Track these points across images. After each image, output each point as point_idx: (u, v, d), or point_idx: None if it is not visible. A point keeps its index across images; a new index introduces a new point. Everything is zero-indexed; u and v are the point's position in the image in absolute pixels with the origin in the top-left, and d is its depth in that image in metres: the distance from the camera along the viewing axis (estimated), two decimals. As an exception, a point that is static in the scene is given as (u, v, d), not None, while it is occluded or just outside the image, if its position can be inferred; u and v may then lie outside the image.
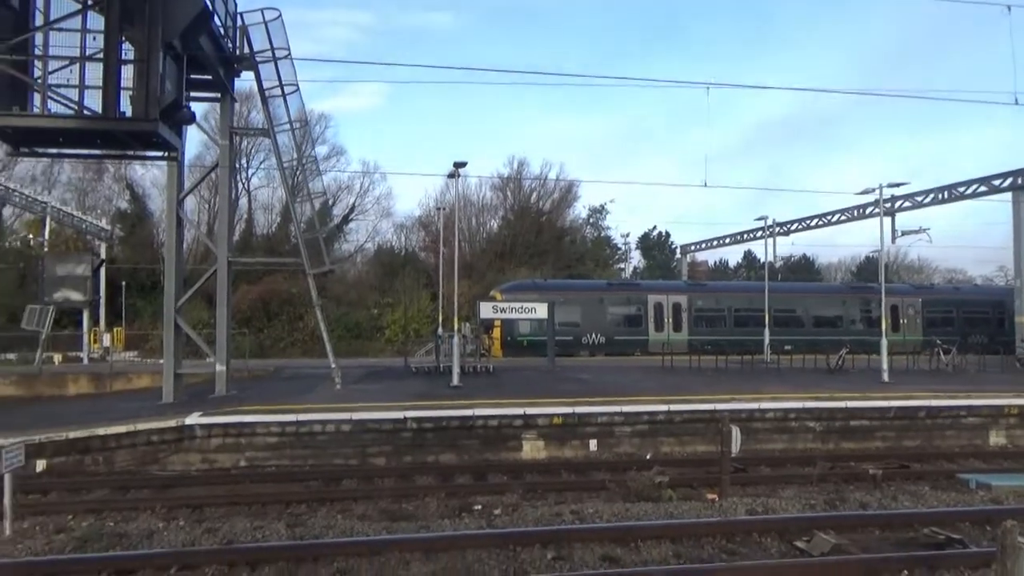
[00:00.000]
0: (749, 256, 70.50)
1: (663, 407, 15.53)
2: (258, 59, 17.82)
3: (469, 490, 12.21)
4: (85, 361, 32.46)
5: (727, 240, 54.08)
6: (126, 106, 9.82)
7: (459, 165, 19.62)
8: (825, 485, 12.65)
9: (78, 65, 10.62)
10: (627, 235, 66.67)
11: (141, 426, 13.77)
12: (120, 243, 50.44)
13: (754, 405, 16.02)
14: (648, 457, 14.92)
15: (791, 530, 9.00)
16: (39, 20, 10.50)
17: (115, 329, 39.57)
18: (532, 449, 14.99)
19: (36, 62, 10.11)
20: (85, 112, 9.98)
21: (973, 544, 8.45)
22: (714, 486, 12.29)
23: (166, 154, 10.49)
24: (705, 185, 24.57)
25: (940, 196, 34.05)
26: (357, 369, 23.52)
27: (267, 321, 46.48)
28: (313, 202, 18.25)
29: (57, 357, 34.28)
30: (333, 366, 19.14)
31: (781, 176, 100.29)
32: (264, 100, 18.31)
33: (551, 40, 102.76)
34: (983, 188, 31.99)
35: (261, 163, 57.23)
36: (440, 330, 25.68)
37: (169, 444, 13.91)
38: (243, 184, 56.98)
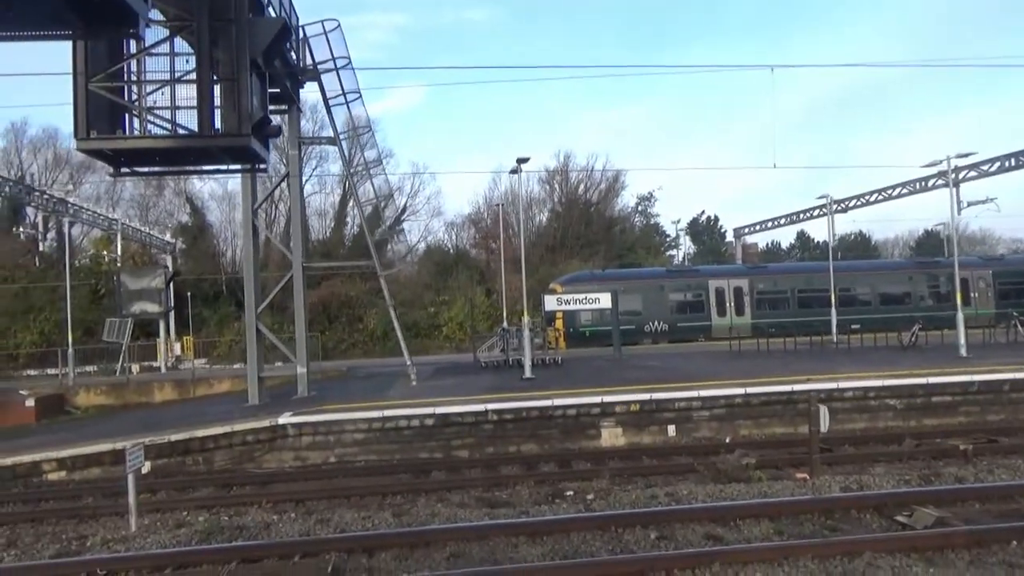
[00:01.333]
0: (803, 236, 69.33)
1: (740, 390, 15.57)
2: (321, 69, 18.40)
3: (557, 477, 12.47)
4: (163, 370, 33.77)
5: (782, 221, 53.22)
6: (219, 123, 10.30)
7: (521, 161, 19.88)
8: (914, 462, 12.58)
9: (169, 87, 11.15)
10: (678, 221, 66.23)
11: (237, 427, 14.43)
12: (183, 255, 52.15)
13: (832, 385, 15.92)
14: (727, 440, 15.01)
15: (888, 505, 9.05)
16: (131, 46, 11.04)
17: (184, 338, 41.08)
18: (611, 436, 15.20)
19: (133, 87, 10.64)
20: (181, 131, 10.50)
21: (1078, 514, 8.39)
22: (799, 466, 12.35)
23: (257, 166, 10.99)
24: (774, 167, 24.21)
25: (1007, 164, 32.93)
26: (426, 366, 24.00)
27: (328, 324, 47.53)
28: (381, 205, 18.72)
29: (135, 367, 35.71)
30: (408, 363, 19.63)
31: (836, 154, 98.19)
32: (328, 109, 18.88)
33: (586, 30, 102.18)
34: (1053, 154, 30.88)
35: (314, 170, 58.58)
36: (506, 324, 26.01)
37: (263, 443, 14.54)
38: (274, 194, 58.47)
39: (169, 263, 43.49)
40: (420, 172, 62.83)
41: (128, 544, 9.03)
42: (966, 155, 23.43)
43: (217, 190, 61.55)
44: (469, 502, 10.79)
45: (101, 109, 10.42)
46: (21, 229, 43.77)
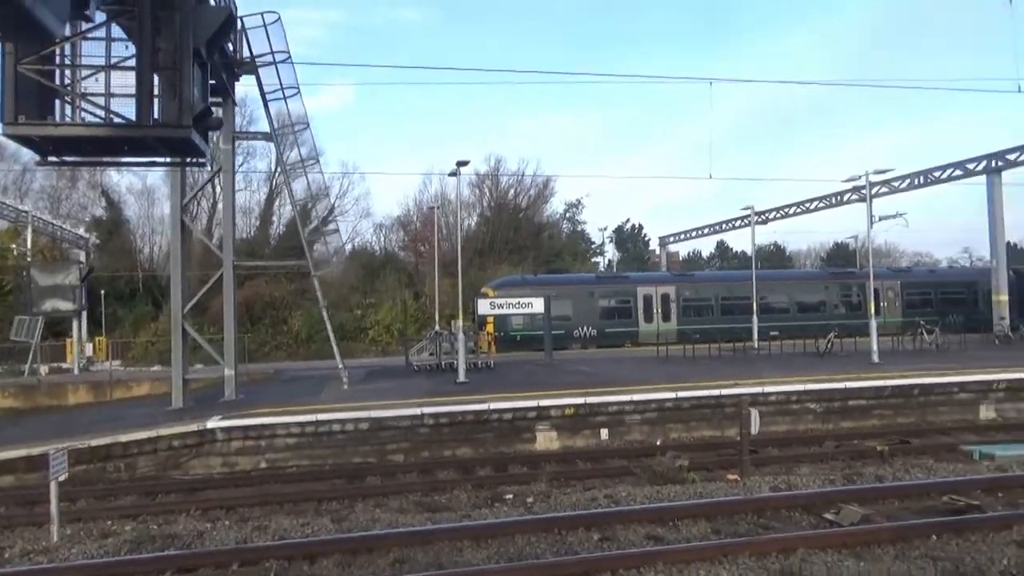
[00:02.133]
0: (722, 246, 71.80)
1: (671, 394, 15.97)
2: (259, 62, 17.93)
3: (494, 481, 12.52)
4: (75, 371, 32.12)
5: (705, 231, 54.93)
6: (157, 114, 9.91)
7: (461, 164, 19.88)
8: (835, 463, 13.19)
9: (104, 74, 10.67)
10: (605, 228, 67.55)
11: (163, 432, 13.88)
12: (97, 251, 49.81)
13: (757, 389, 16.53)
14: (658, 443, 15.38)
15: (817, 504, 9.45)
16: (67, 30, 10.50)
17: (97, 338, 39.26)
18: (546, 440, 15.35)
19: (66, 71, 10.13)
20: (118, 120, 10.06)
21: (989, 509, 8.97)
22: (729, 467, 12.80)
23: (195, 160, 10.61)
24: (710, 177, 24.94)
25: (916, 181, 34.97)
26: (357, 369, 23.63)
27: (251, 325, 46.24)
28: (317, 204, 18.38)
29: (44, 368, 33.86)
30: (340, 366, 19.31)
31: (764, 167, 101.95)
32: (265, 103, 18.41)
33: (521, 35, 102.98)
34: (958, 172, 32.94)
35: (240, 166, 56.89)
36: (437, 327, 25.91)
37: (190, 448, 14.04)
38: (220, 188, 56.73)
39: (83, 259, 41.47)
40: (350, 172, 61.90)
41: (51, 555, 8.58)
42: (882, 171, 24.78)
43: (136, 184, 59.08)
44: (408, 507, 10.71)
45: (30, 93, 9.82)
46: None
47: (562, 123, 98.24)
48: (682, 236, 56.97)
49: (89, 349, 37.60)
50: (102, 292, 41.31)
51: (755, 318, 29.64)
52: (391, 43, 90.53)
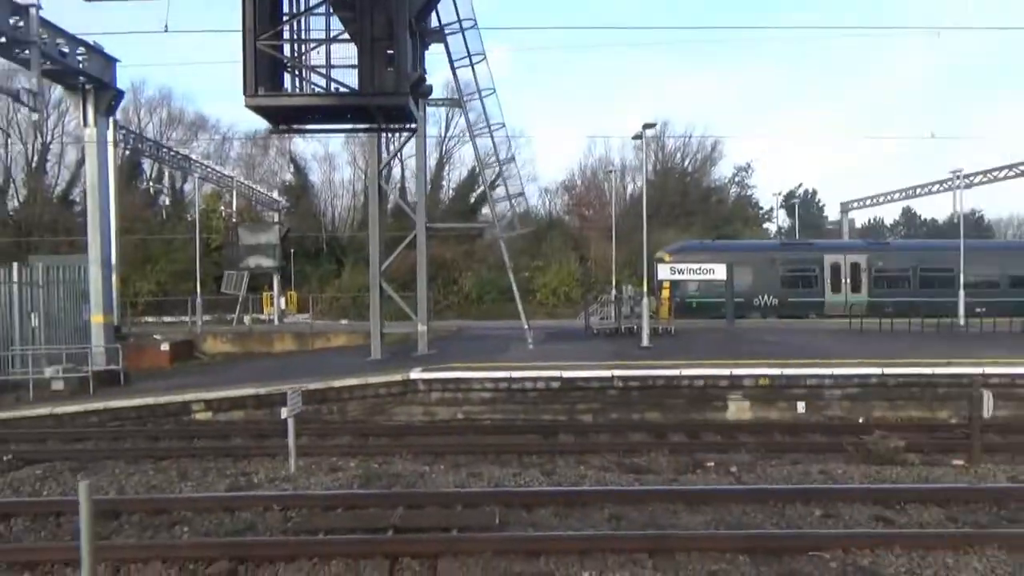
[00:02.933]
0: (908, 213, 66.11)
1: (876, 370, 15.01)
2: (448, 31, 18.44)
3: (688, 447, 12.36)
4: (276, 322, 35.25)
5: (896, 195, 50.67)
6: (376, 82, 10.46)
7: (648, 126, 19.58)
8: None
9: (325, 46, 11.40)
10: (779, 193, 64.13)
11: (371, 380, 14.93)
12: (287, 213, 53.96)
13: (976, 370, 15.11)
14: (861, 421, 14.54)
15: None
16: (293, 5, 11.31)
17: (288, 292, 42.60)
18: (738, 410, 14.96)
19: (295, 45, 10.91)
20: (340, 90, 10.74)
21: None
22: (948, 452, 11.86)
23: (407, 126, 11.16)
24: (931, 136, 22.90)
25: None
26: (535, 331, 24.09)
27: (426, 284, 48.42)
28: (504, 168, 18.78)
29: (247, 319, 37.38)
30: (526, 327, 19.81)
31: (958, 127, 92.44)
32: (454, 71, 18.96)
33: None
34: None
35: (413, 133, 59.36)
36: (624, 289, 25.83)
37: (394, 397, 15.01)
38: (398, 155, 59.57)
39: (276, 220, 45.14)
40: (516, 136, 62.78)
41: (294, 483, 9.52)
42: None
43: (319, 151, 63.28)
44: (609, 466, 10.83)
45: (264, 67, 10.74)
46: (148, 183, 46.11)
47: (731, 82, 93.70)
48: (868, 202, 52.93)
49: (282, 303, 41.05)
50: (291, 251, 44.83)
51: (961, 292, 27.04)
52: (546, 5, 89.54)
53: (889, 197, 51.56)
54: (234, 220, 43.32)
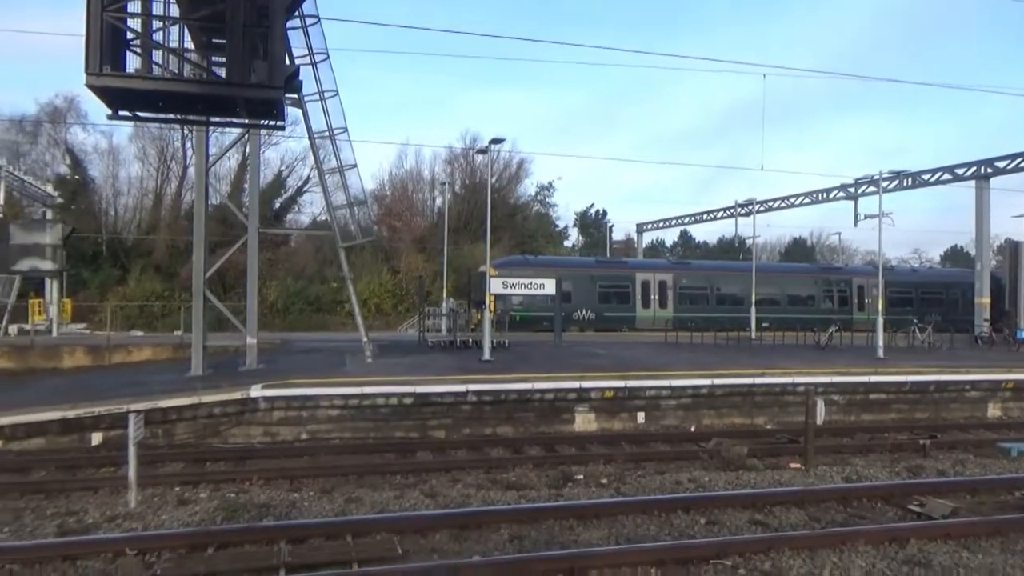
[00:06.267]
0: (684, 235, 73.02)
1: (707, 381, 16.14)
2: (290, 28, 17.35)
3: (547, 461, 12.44)
4: (54, 334, 31.00)
5: (686, 219, 55.61)
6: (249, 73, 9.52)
7: (496, 141, 19.67)
8: (874, 455, 13.49)
9: (177, 27, 10.26)
10: (581, 212, 68.07)
11: (205, 398, 13.52)
12: (61, 210, 48.05)
13: (787, 380, 16.80)
14: (692, 429, 15.56)
15: (896, 495, 9.68)
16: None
17: (62, 300, 37.87)
18: (584, 421, 15.39)
19: (143, 21, 9.67)
20: (194, 76, 9.66)
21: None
22: (777, 456, 13.00)
23: (275, 123, 10.23)
24: (762, 169, 25.07)
25: (904, 183, 35.73)
26: (356, 343, 23.24)
27: (224, 294, 45.32)
28: (344, 174, 17.94)
29: (12, 329, 32.61)
30: (365, 339, 19.03)
31: (741, 158, 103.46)
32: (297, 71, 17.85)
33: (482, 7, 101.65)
34: (947, 176, 33.80)
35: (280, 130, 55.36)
36: (452, 303, 25.69)
37: (231, 417, 13.72)
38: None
39: (48, 217, 39.93)
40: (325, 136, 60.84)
41: (144, 521, 8.30)
42: (898, 172, 25.30)
43: (101, 143, 57.10)
44: (485, 483, 10.61)
45: (108, 44, 9.38)
46: None
47: (538, 101, 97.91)
48: (660, 224, 57.52)
49: (52, 311, 36.30)
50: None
51: (753, 308, 30.09)
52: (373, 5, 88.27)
53: (681, 220, 56.56)
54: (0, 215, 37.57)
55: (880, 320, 23.04)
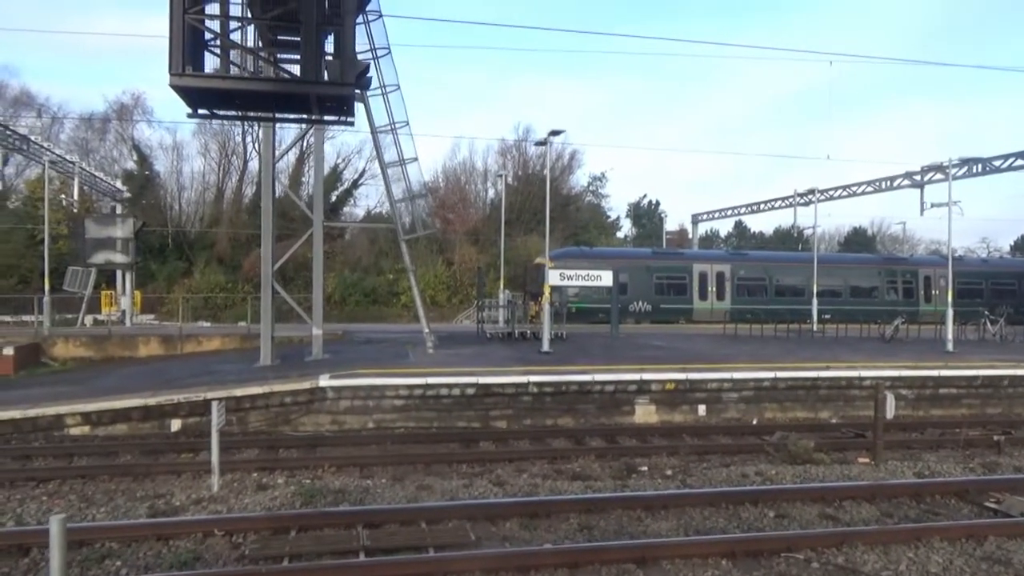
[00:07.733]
0: (739, 226, 71.63)
1: (769, 374, 15.96)
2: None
3: (610, 452, 12.50)
4: (128, 323, 32.32)
5: (742, 210, 54.68)
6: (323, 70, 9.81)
7: (554, 133, 19.73)
8: (946, 451, 13.18)
9: (251, 26, 10.59)
10: (633, 203, 67.63)
11: (276, 388, 13.98)
12: (129, 205, 49.88)
13: (852, 373, 16.49)
14: (755, 422, 15.43)
15: (970, 492, 9.49)
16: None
17: (133, 292, 39.32)
18: (644, 413, 15.40)
19: (222, 23, 10.00)
20: (275, 75, 10.00)
21: None
22: (843, 450, 12.82)
23: (345, 119, 10.51)
24: (828, 158, 24.67)
25: (974, 169, 34.50)
26: (417, 334, 23.61)
27: (284, 286, 46.36)
28: (406, 167, 18.26)
29: (88, 320, 34.01)
30: (426, 331, 19.39)
31: (803, 147, 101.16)
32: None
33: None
34: (1020, 162, 32.51)
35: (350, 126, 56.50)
36: (508, 295, 25.92)
37: (301, 406, 14.14)
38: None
39: (118, 211, 41.47)
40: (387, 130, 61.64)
41: (228, 504, 8.71)
42: (970, 159, 24.44)
43: (166, 139, 58.98)
44: (551, 474, 10.76)
45: (189, 45, 9.74)
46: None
47: (591, 91, 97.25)
48: (716, 214, 56.73)
49: (124, 303, 37.79)
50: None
51: (815, 300, 29.52)
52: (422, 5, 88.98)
53: (736, 211, 55.69)
54: (75, 210, 39.31)
55: (949, 312, 22.35)
